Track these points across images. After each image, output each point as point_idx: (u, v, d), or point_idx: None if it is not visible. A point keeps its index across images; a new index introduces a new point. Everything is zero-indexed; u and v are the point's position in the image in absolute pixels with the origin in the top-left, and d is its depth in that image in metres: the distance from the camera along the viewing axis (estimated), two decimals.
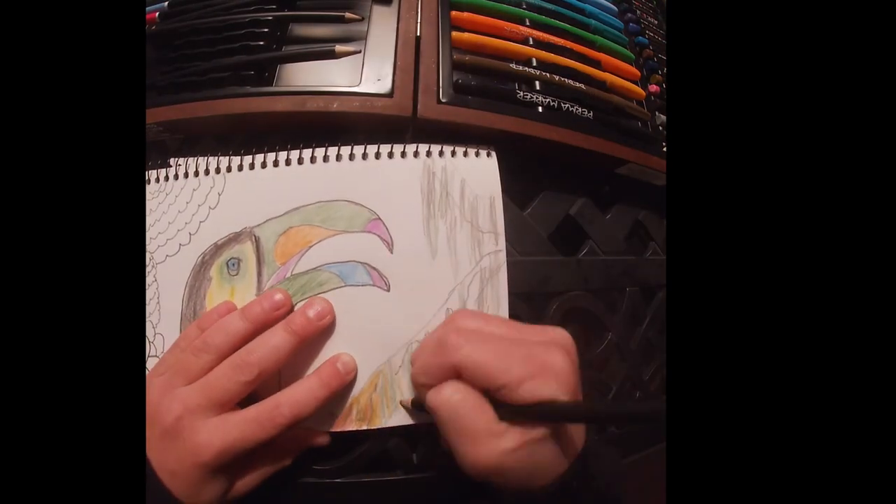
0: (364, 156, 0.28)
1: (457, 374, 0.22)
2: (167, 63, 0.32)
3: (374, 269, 0.28)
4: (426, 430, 0.27)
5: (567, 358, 0.22)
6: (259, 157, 0.29)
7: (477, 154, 0.30)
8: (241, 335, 0.25)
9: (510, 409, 0.21)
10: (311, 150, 0.29)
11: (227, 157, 0.29)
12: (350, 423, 0.27)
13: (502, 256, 0.29)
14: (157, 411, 0.23)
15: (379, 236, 0.28)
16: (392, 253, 0.28)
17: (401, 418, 0.27)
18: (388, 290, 0.28)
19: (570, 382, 0.21)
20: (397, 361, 0.27)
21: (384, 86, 0.29)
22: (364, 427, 0.27)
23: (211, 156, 0.29)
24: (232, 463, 0.23)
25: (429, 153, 0.29)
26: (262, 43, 0.31)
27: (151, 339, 0.28)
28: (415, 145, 0.29)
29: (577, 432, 0.23)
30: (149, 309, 0.28)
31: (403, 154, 0.29)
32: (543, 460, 0.21)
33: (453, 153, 0.29)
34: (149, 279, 0.29)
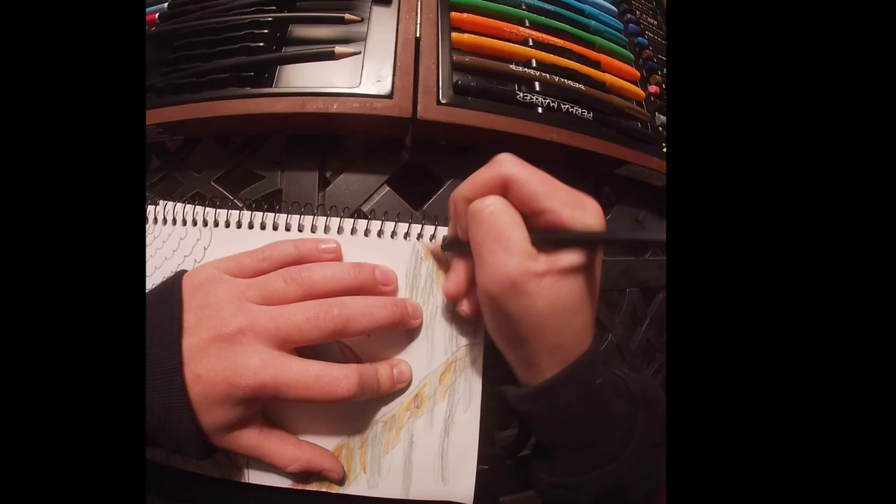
0: (353, 231, 0.28)
1: (503, 192, 0.22)
2: (167, 64, 0.32)
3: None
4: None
5: (600, 212, 0.22)
6: (246, 216, 0.28)
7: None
8: (345, 287, 0.25)
9: (544, 237, 0.21)
10: (298, 217, 0.28)
11: (214, 210, 0.28)
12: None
13: (479, 349, 0.28)
14: (219, 309, 0.22)
15: None
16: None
17: (360, 488, 0.26)
18: None
19: (604, 223, 0.22)
20: (360, 437, 0.27)
21: (384, 87, 0.29)
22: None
23: (198, 205, 0.28)
24: (255, 403, 0.23)
25: (419, 236, 0.28)
26: (261, 44, 0.31)
27: None
28: (406, 225, 0.28)
29: (595, 294, 0.23)
30: None
31: (394, 234, 0.28)
32: (567, 297, 0.21)
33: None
34: None
